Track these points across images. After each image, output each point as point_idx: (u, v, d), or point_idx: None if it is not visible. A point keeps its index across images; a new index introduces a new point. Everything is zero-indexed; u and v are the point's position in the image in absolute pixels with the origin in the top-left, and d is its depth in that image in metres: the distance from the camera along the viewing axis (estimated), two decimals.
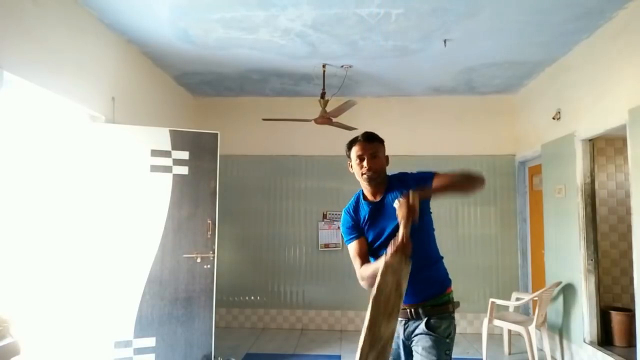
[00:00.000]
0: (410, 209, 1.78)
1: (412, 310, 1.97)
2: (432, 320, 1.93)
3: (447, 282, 2.07)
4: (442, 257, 2.12)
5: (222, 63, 4.62)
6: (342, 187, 5.55)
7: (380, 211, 2.09)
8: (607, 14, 3.48)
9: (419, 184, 1.96)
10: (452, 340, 1.96)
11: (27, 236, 3.05)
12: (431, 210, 2.10)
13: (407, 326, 1.99)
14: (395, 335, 2.03)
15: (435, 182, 1.95)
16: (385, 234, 2.05)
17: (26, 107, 3.01)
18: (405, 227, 1.78)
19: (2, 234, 2.77)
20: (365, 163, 2.05)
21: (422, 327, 1.94)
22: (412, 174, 2.07)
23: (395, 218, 1.88)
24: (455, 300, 2.05)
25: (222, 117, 5.86)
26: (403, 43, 4.04)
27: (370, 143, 2.08)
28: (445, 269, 2.11)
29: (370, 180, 2.06)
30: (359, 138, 2.12)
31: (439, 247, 2.14)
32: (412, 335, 1.97)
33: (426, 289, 1.99)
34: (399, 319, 2.00)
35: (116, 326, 3.55)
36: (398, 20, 3.57)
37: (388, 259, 1.75)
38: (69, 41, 3.25)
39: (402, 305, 1.89)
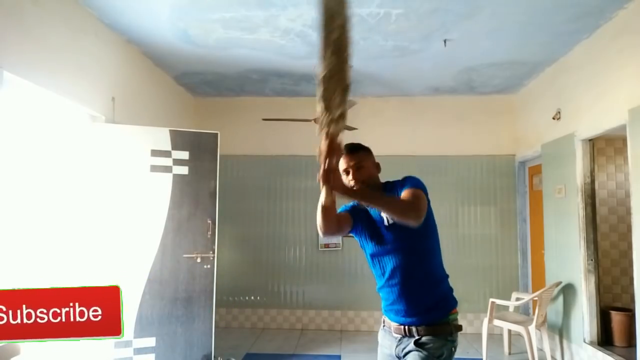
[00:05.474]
0: (330, 150, 1.70)
1: (407, 328, 1.90)
2: (424, 338, 1.85)
3: (450, 304, 1.94)
4: (447, 276, 2.01)
5: (222, 63, 4.62)
6: None
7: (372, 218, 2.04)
8: (607, 14, 3.48)
9: (403, 188, 1.91)
10: None
11: (28, 236, 3.05)
12: (433, 222, 1.97)
13: (401, 342, 1.93)
14: (387, 351, 1.99)
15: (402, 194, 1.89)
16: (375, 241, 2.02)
17: (26, 107, 3.01)
18: (323, 163, 1.71)
19: (3, 233, 2.77)
20: (351, 176, 1.98)
21: (412, 344, 1.87)
22: (399, 181, 1.98)
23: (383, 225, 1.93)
24: (458, 322, 1.94)
25: (222, 117, 5.86)
26: (403, 43, 4.04)
27: (354, 154, 2.00)
28: (449, 289, 1.99)
29: None
30: (342, 151, 2.04)
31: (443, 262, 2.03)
32: (403, 354, 1.90)
33: (427, 313, 1.89)
34: (394, 335, 1.95)
35: None
36: (398, 20, 3.57)
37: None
38: (68, 41, 3.25)
39: (397, 325, 1.92)
